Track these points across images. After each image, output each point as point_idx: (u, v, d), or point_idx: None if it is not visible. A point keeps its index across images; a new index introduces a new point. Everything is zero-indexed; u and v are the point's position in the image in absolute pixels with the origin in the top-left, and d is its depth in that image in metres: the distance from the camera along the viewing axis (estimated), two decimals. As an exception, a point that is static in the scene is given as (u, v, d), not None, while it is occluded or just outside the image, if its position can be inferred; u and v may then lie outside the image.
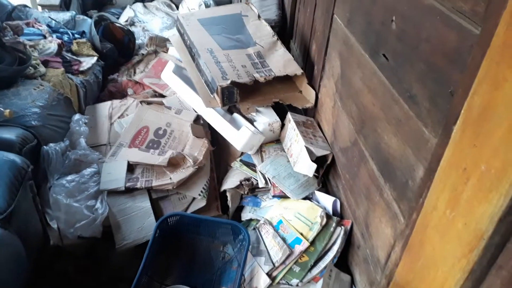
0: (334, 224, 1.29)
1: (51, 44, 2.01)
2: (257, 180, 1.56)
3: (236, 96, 1.62)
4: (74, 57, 2.10)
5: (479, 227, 0.64)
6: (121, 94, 2.10)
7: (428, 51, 0.84)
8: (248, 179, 1.58)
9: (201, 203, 1.50)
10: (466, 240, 0.67)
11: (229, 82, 1.56)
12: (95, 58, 2.16)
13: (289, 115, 1.64)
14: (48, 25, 2.24)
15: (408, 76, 0.92)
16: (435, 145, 0.79)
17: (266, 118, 1.66)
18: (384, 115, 1.05)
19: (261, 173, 1.54)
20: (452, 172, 0.71)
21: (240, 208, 1.60)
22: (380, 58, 1.07)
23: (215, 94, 1.60)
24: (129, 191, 1.46)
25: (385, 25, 1.04)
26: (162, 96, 1.98)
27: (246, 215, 1.53)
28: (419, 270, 0.82)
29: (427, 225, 0.79)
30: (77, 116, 1.71)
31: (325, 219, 1.29)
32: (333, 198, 1.38)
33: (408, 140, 0.93)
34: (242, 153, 1.67)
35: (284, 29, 2.40)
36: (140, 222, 1.40)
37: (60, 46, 2.02)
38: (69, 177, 1.45)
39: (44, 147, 1.48)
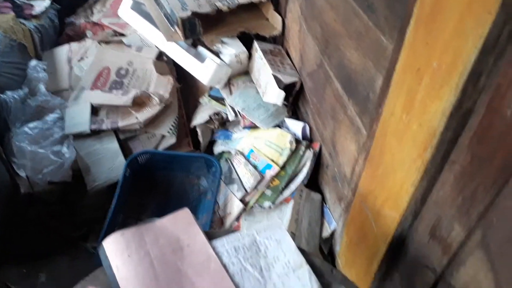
0: (303, 148, 1.30)
1: (-3, -13, 1.86)
2: (226, 114, 1.54)
3: (199, 28, 1.55)
4: (25, 1, 1.95)
5: (431, 125, 0.64)
6: (80, 38, 1.98)
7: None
8: (217, 113, 1.56)
9: (171, 140, 1.48)
10: (420, 140, 0.68)
11: (189, 13, 1.48)
12: (49, 1, 2.02)
13: (255, 44, 1.59)
14: (-9, -33, 2.05)
15: (366, -17, 0.88)
16: (392, 51, 0.77)
17: (232, 50, 1.60)
18: (345, 30, 1.02)
19: (231, 106, 1.52)
20: (407, 75, 0.70)
21: (212, 143, 1.60)
22: (339, -31, 1.02)
23: (175, 27, 1.53)
24: (95, 133, 1.42)
25: None
26: (123, 35, 1.88)
27: (218, 148, 1.53)
28: (380, 178, 0.84)
29: (386, 132, 0.79)
30: (33, 62, 1.61)
31: (294, 144, 1.30)
32: (302, 123, 1.38)
33: (368, 52, 0.91)
34: (210, 88, 1.64)
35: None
36: (109, 163, 1.38)
37: (7, -11, 1.87)
38: (32, 124, 1.40)
39: (1, 95, 1.42)
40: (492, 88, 0.52)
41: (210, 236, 0.65)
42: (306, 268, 0.60)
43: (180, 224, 0.64)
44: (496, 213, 0.54)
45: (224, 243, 0.63)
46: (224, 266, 0.59)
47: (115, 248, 0.59)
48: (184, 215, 0.66)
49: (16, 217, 1.33)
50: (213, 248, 0.62)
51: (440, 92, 0.61)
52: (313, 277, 0.59)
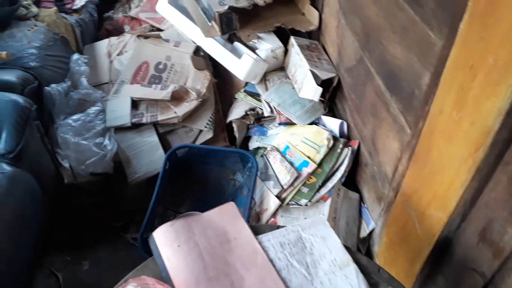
0: (341, 146, 1.29)
1: (41, -17, 1.92)
2: (262, 110, 1.54)
3: (235, 23, 1.56)
4: (66, -5, 2.02)
5: (486, 124, 0.62)
6: (118, 32, 2.03)
7: None
8: (253, 109, 1.56)
9: (208, 135, 1.50)
10: (473, 139, 0.66)
11: (226, 7, 1.49)
12: (88, -5, 2.08)
13: (292, 39, 1.58)
14: (35, -36, 2.13)
15: (413, -23, 0.86)
16: (441, 47, 0.75)
17: (268, 45, 1.60)
18: (388, 24, 1.00)
19: (266, 102, 1.52)
20: (458, 72, 0.68)
21: (247, 139, 1.60)
22: (384, -37, 1.00)
23: (213, 22, 1.54)
24: (135, 126, 1.46)
25: None
26: (160, 30, 1.92)
27: (253, 144, 1.53)
28: (426, 177, 0.82)
29: (433, 130, 0.77)
30: (75, 56, 1.67)
31: (331, 141, 1.28)
32: (339, 121, 1.37)
33: (414, 47, 0.88)
34: (246, 84, 1.64)
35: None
36: (149, 155, 1.42)
37: (50, -15, 1.93)
38: (75, 117, 1.45)
39: (46, 88, 1.47)
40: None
41: (255, 230, 0.65)
42: (353, 266, 0.60)
43: (226, 217, 0.65)
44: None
45: (269, 238, 0.63)
46: (271, 260, 0.60)
47: (165, 239, 0.61)
48: (230, 208, 0.67)
49: (61, 207, 1.38)
50: (259, 243, 0.62)
51: (496, 89, 0.59)
52: (361, 275, 0.59)
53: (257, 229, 0.66)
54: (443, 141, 0.75)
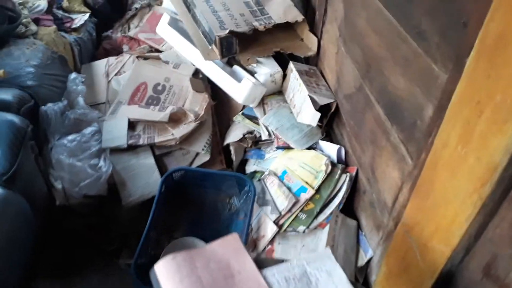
0: (339, 172, 1.28)
1: (41, 1, 1.93)
2: (260, 133, 1.54)
3: (235, 47, 1.57)
4: (66, 14, 2.02)
5: (492, 160, 0.62)
6: (117, 51, 2.03)
7: (438, -19, 0.79)
8: (251, 132, 1.56)
9: (205, 157, 1.49)
10: (478, 175, 0.65)
11: (227, 31, 1.50)
12: (88, 14, 2.08)
13: (291, 65, 1.59)
14: (35, -18, 2.14)
15: (416, 11, 0.87)
16: (446, 81, 0.76)
17: (267, 69, 1.61)
18: (390, 55, 1.01)
19: (264, 126, 1.52)
20: (464, 107, 0.68)
21: (244, 162, 1.59)
22: (385, -5, 1.01)
23: (213, 46, 1.55)
24: (131, 148, 1.44)
25: (390, -42, 0.97)
26: (159, 51, 1.92)
27: (250, 168, 1.52)
28: (428, 209, 0.81)
29: (437, 163, 0.77)
30: (73, 75, 1.66)
31: (330, 167, 1.28)
32: (337, 146, 1.37)
33: (417, 79, 0.89)
34: (243, 107, 1.64)
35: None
36: (145, 178, 1.40)
37: (50, 3, 1.94)
38: (70, 137, 1.43)
39: (43, 107, 1.45)
40: None
41: (259, 264, 0.64)
42: (359, 303, 0.59)
43: (230, 249, 0.64)
44: None
45: (274, 273, 0.62)
46: (275, 296, 0.58)
47: (167, 273, 0.59)
48: (233, 240, 0.65)
49: (53, 227, 1.35)
50: (264, 277, 0.61)
51: (503, 127, 0.60)
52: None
53: (261, 263, 0.64)
54: (447, 174, 0.74)
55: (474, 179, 0.67)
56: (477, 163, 0.66)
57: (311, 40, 1.65)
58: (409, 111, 0.93)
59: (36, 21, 1.84)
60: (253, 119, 1.59)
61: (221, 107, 1.75)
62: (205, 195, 1.45)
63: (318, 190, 1.27)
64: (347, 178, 1.26)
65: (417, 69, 0.89)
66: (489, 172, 0.63)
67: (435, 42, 0.81)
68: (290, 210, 1.24)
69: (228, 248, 0.64)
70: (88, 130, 1.48)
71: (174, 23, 1.80)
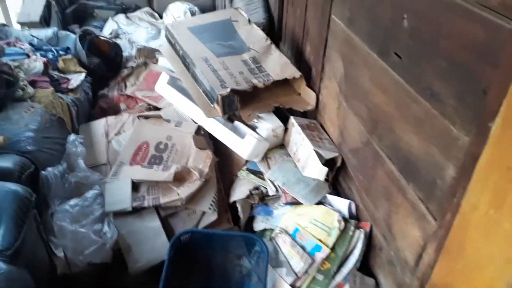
0: (352, 228, 1.27)
1: (36, 63, 1.93)
2: (266, 188, 1.52)
3: (237, 104, 1.59)
4: (62, 75, 2.02)
5: (531, 227, 0.62)
6: (113, 110, 2.03)
7: (449, 48, 0.82)
8: (257, 188, 1.54)
9: (212, 217, 1.45)
10: (517, 240, 0.65)
11: (229, 90, 1.53)
12: (83, 74, 2.09)
13: (292, 119, 1.61)
14: (30, 43, 2.15)
15: (427, 74, 0.90)
16: (468, 143, 0.77)
17: (268, 124, 1.63)
18: (400, 114, 1.03)
19: (270, 181, 1.51)
20: (493, 172, 0.69)
21: (251, 219, 1.56)
22: (391, 57, 1.05)
23: (215, 104, 1.56)
24: (136, 211, 1.40)
25: (395, 23, 1.02)
26: (157, 108, 1.93)
27: (258, 225, 1.49)
28: (461, 271, 0.80)
29: (467, 225, 0.77)
30: (72, 137, 1.64)
31: (343, 223, 1.27)
32: (347, 201, 1.36)
33: (432, 139, 0.91)
34: (246, 162, 1.64)
35: (272, 32, 2.36)
36: (151, 242, 1.35)
37: (46, 65, 1.94)
38: (72, 202, 1.39)
39: (43, 172, 1.41)
40: None
41: None
42: None
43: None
44: None
45: None
46: None
47: None
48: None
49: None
50: None
51: (539, 194, 0.60)
52: None
53: None
54: (479, 238, 0.74)
55: (511, 244, 0.67)
56: (514, 228, 0.66)
57: (309, 95, 1.69)
58: (427, 169, 0.94)
59: (33, 83, 1.82)
60: (258, 173, 1.58)
61: (222, 162, 1.74)
62: (213, 256, 1.40)
63: (333, 248, 1.24)
64: (362, 235, 1.24)
65: (432, 129, 0.90)
66: (528, 238, 0.63)
67: (451, 105, 0.83)
68: (306, 271, 1.20)
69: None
70: (90, 193, 1.44)
71: (173, 82, 1.82)
